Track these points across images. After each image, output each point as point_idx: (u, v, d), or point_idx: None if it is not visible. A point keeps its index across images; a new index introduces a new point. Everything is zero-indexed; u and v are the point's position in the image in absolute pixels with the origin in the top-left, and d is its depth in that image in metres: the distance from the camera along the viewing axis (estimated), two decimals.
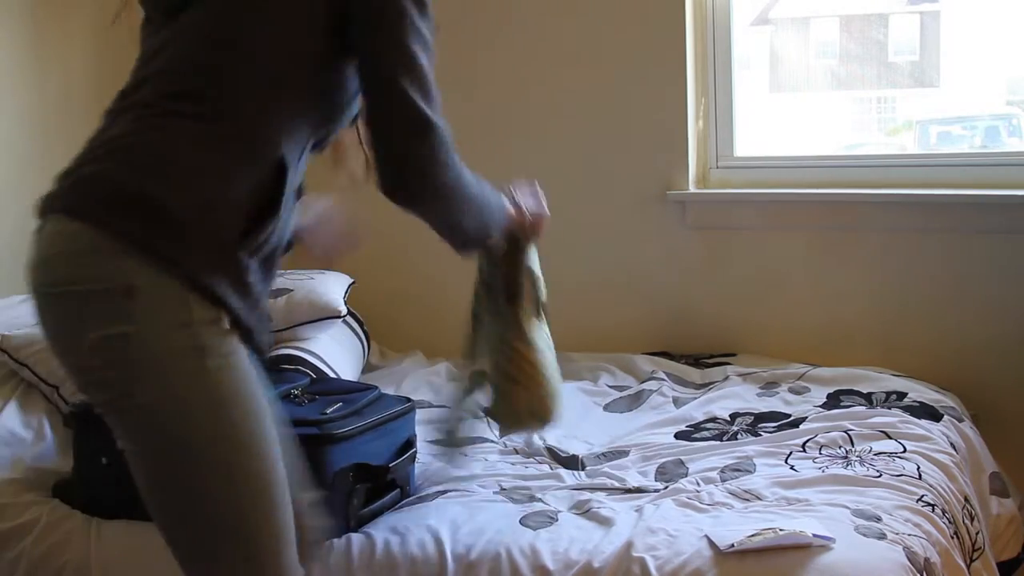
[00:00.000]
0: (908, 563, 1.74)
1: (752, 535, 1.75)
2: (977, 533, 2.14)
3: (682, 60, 3.01)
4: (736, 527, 1.82)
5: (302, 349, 2.88)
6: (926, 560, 1.79)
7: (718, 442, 2.36)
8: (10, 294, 2.76)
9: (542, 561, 1.83)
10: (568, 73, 3.12)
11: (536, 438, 2.37)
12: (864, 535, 1.79)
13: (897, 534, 1.81)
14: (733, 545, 1.73)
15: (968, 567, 2.03)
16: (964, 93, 3.09)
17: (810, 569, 1.68)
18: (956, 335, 2.82)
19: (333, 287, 3.02)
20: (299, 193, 1.62)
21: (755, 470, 2.16)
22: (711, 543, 1.78)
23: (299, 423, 1.91)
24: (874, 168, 2.99)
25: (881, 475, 2.06)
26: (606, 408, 2.69)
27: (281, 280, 3.02)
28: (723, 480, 2.11)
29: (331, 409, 2.10)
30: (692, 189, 3.04)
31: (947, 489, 2.09)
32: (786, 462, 2.19)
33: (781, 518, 1.86)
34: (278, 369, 2.65)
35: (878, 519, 1.86)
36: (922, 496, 1.99)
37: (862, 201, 2.90)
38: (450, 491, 2.13)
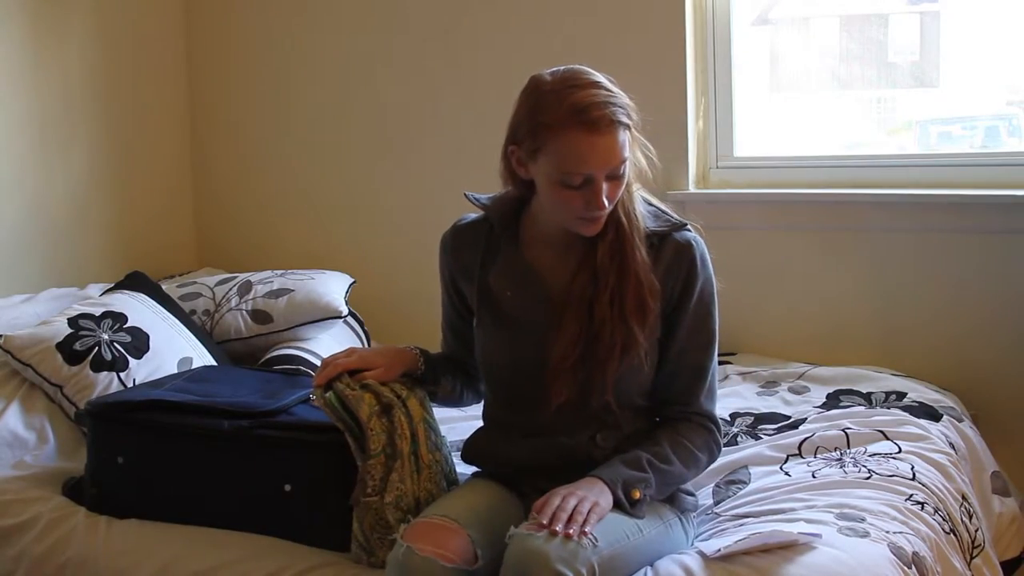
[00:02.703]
0: (894, 557, 1.75)
1: (739, 540, 1.76)
2: (976, 530, 2.14)
3: (682, 60, 3.01)
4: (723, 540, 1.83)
5: (303, 349, 2.88)
6: (914, 554, 1.80)
7: None
8: (10, 294, 2.72)
9: None
10: None
11: None
12: (846, 536, 1.80)
13: (881, 531, 1.82)
14: (720, 550, 1.74)
15: (969, 563, 2.03)
16: (964, 93, 3.08)
17: (798, 565, 1.69)
18: (956, 335, 2.82)
19: (334, 287, 3.01)
20: None
21: (750, 481, 2.16)
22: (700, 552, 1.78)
23: (324, 429, 1.92)
24: (874, 168, 2.98)
25: (871, 476, 2.07)
26: None
27: (282, 280, 3.03)
28: (716, 502, 2.10)
29: None
30: (692, 189, 3.04)
31: (942, 488, 2.10)
32: (781, 468, 2.19)
33: (765, 526, 1.86)
34: (294, 371, 2.65)
35: (861, 519, 1.87)
36: (911, 495, 2.00)
37: (862, 201, 2.89)
38: None
